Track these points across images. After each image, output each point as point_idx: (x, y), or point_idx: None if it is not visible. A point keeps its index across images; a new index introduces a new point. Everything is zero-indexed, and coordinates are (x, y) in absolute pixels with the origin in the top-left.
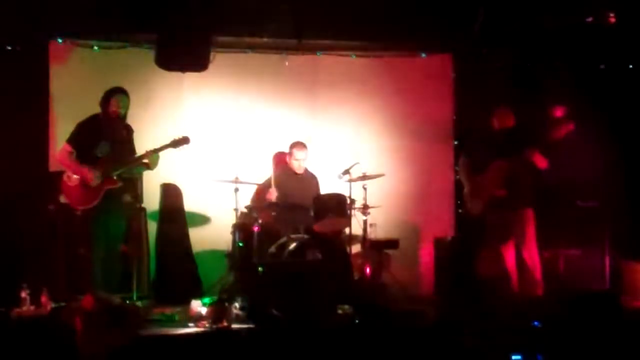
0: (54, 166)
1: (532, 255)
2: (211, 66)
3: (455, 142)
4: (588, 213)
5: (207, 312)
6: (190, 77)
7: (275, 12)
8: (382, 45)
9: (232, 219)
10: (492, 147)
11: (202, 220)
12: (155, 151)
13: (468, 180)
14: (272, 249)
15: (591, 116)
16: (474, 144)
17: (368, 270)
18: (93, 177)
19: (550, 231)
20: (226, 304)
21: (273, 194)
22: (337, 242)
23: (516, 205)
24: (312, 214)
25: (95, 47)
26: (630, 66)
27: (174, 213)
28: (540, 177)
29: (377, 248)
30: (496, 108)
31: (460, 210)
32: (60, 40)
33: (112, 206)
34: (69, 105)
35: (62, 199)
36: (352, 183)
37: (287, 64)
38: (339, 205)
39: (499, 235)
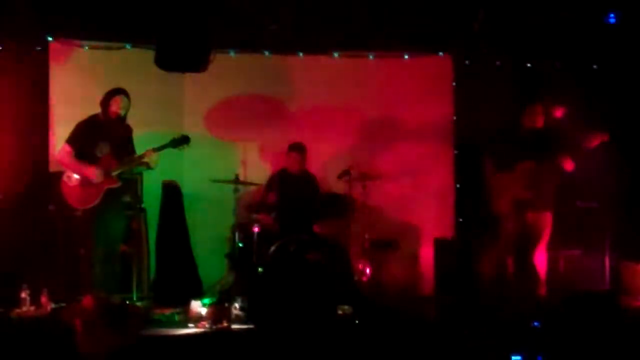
0: (54, 166)
1: (541, 257)
2: (211, 66)
3: (455, 143)
4: (588, 213)
5: (207, 313)
6: (190, 77)
7: (276, 13)
8: (382, 46)
9: (232, 219)
10: (520, 147)
11: (202, 220)
12: (155, 150)
13: (492, 179)
14: (272, 249)
15: (591, 116)
16: (501, 142)
17: (368, 270)
18: (95, 173)
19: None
20: (226, 305)
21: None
22: (337, 242)
23: (539, 207)
24: (311, 214)
25: (95, 48)
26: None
27: (174, 213)
28: (564, 180)
29: (377, 248)
30: (528, 106)
31: (461, 210)
32: (59, 41)
33: (112, 206)
34: (69, 106)
35: (62, 199)
36: (352, 183)
37: (286, 64)
38: (339, 206)
39: (520, 236)
